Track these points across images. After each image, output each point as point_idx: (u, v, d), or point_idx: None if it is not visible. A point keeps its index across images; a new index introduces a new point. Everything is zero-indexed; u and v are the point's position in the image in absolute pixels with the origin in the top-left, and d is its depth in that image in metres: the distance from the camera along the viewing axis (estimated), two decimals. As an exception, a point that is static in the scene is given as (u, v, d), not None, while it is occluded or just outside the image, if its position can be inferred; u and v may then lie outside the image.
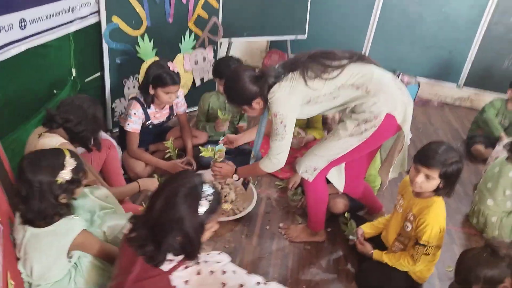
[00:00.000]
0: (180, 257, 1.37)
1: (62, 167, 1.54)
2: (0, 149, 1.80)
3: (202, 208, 1.36)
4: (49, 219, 1.54)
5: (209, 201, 1.38)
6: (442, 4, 4.35)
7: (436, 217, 1.86)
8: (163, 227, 1.32)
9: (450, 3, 4.33)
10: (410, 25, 4.51)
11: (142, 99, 2.61)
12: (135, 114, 2.58)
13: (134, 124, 2.60)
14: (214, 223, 1.45)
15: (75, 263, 1.67)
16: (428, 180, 1.82)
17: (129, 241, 1.39)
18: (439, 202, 1.90)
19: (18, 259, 1.59)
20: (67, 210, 1.60)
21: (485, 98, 4.34)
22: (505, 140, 3.35)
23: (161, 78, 2.49)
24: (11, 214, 1.70)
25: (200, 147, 2.42)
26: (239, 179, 2.31)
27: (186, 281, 1.35)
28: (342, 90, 1.91)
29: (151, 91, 2.55)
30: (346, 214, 2.29)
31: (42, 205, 1.50)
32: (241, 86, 1.96)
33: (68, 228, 1.57)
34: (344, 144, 1.99)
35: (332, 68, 1.91)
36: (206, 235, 1.44)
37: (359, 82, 1.90)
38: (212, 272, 1.40)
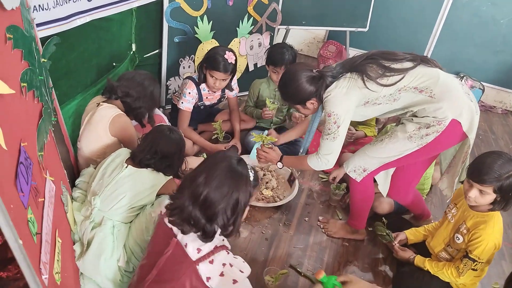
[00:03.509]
0: (208, 247, 1.36)
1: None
2: (59, 115, 1.89)
3: (250, 179, 1.41)
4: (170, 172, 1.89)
5: (253, 174, 1.44)
6: (519, 6, 4.04)
7: (493, 234, 1.74)
8: (214, 201, 1.33)
9: (528, 4, 4.01)
10: (481, 26, 4.23)
11: (196, 78, 2.65)
12: (189, 93, 2.63)
13: (187, 103, 2.64)
14: (253, 199, 1.47)
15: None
16: (482, 195, 1.70)
17: (176, 220, 1.38)
18: (497, 218, 1.77)
19: (92, 196, 1.78)
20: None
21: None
22: None
23: (212, 60, 2.50)
24: (64, 177, 1.80)
25: (252, 132, 2.40)
26: (283, 167, 2.28)
27: (208, 278, 1.33)
28: (403, 92, 1.81)
29: (204, 71, 2.59)
30: (382, 222, 2.23)
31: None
32: (297, 86, 1.91)
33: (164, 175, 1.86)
34: (401, 148, 1.89)
35: (393, 72, 1.80)
36: (245, 212, 1.46)
37: (423, 86, 1.79)
38: (235, 281, 1.36)
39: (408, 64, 1.83)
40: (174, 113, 2.87)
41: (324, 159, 1.97)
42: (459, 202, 1.92)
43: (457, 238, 1.86)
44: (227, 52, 2.50)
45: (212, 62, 2.50)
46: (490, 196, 1.69)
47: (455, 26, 4.32)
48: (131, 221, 1.83)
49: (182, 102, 2.64)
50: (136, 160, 1.82)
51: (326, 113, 1.89)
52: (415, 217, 2.46)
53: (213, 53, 2.52)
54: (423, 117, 1.82)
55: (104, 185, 1.77)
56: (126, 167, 1.80)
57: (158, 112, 2.61)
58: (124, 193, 1.75)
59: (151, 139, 1.86)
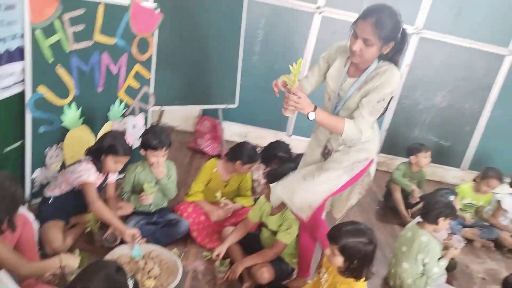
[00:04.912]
0: None
1: None
2: None
3: None
4: None
5: (133, 283, 1.45)
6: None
7: None
8: None
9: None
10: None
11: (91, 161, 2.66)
12: (90, 168, 2.60)
13: (93, 174, 2.59)
14: None
15: None
16: (333, 256, 1.91)
17: None
18: (361, 284, 1.96)
19: None
20: None
21: (398, 162, 4.44)
22: (417, 192, 3.82)
23: (114, 147, 2.60)
24: None
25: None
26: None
27: None
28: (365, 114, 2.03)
29: (103, 158, 2.63)
30: None
31: None
32: (399, 22, 1.89)
33: None
34: (337, 180, 2.10)
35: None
36: None
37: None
38: None
39: None
40: (43, 207, 2.69)
41: (360, 133, 2.01)
42: (330, 266, 2.07)
43: (330, 304, 2.02)
44: (124, 136, 2.69)
45: (116, 149, 2.60)
46: (339, 257, 1.90)
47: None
48: None
49: (88, 176, 2.55)
50: None
51: (387, 90, 1.97)
52: (298, 274, 2.59)
53: (112, 141, 2.62)
54: (360, 149, 2.11)
55: None
56: None
57: (21, 210, 2.40)
58: None
59: None
